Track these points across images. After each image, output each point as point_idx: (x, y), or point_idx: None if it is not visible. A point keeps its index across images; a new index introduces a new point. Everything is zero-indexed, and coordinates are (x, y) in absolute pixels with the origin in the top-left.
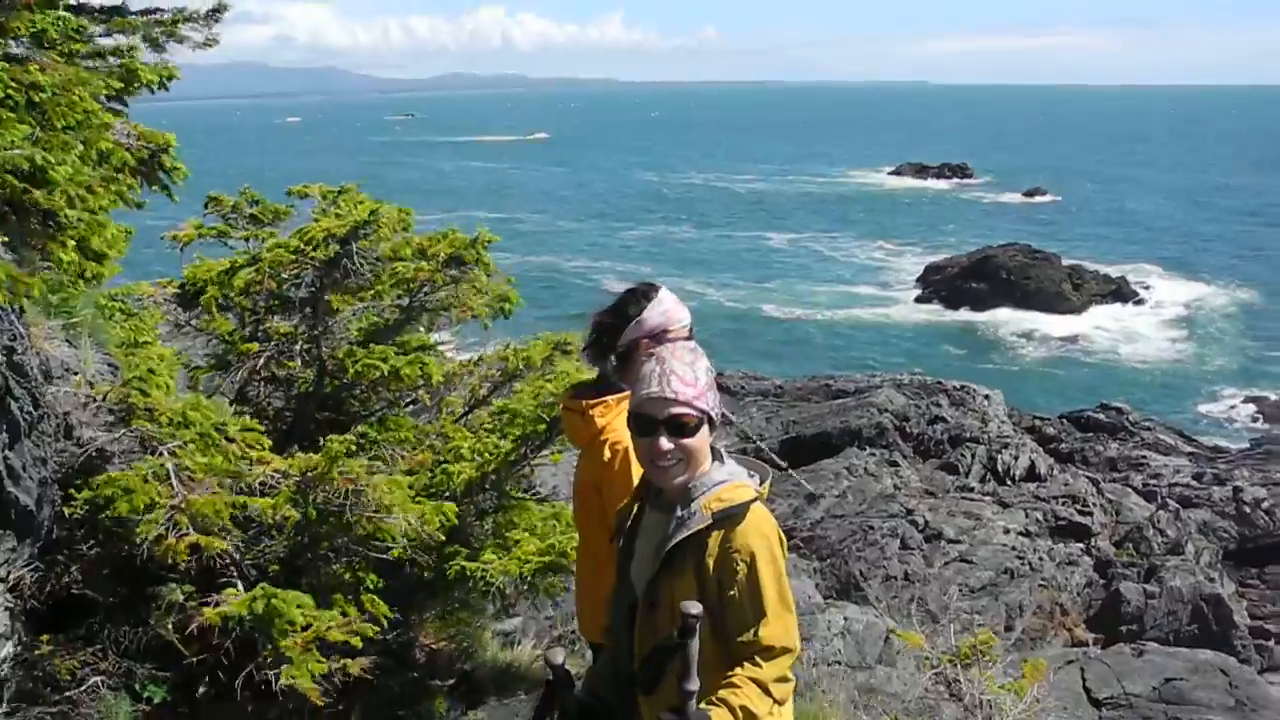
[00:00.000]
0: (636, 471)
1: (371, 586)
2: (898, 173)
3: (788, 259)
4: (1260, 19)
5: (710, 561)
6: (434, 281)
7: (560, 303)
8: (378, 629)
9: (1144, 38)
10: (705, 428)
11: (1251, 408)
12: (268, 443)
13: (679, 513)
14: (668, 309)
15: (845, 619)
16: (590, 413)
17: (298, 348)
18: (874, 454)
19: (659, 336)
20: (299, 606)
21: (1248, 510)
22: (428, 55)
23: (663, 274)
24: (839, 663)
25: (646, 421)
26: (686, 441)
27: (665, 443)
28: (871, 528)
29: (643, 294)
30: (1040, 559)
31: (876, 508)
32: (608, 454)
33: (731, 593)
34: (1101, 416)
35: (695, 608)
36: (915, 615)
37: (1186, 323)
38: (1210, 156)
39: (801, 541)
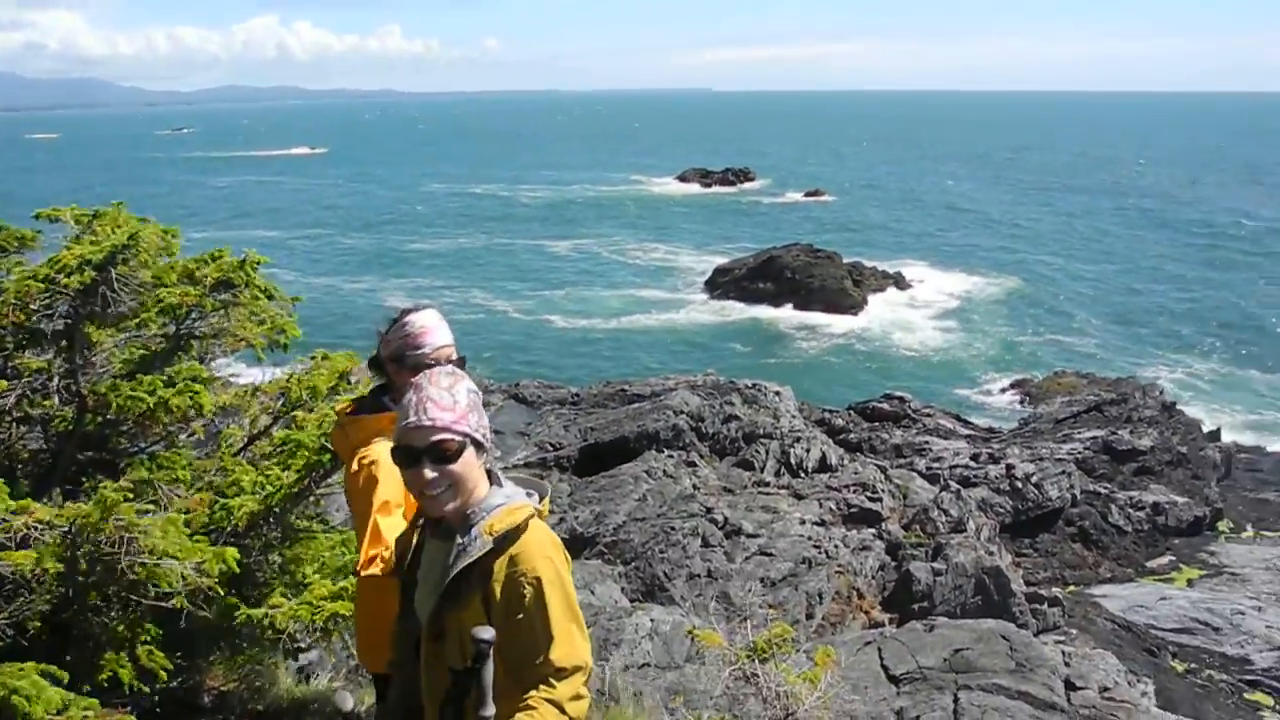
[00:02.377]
0: (385, 490)
1: (149, 637)
2: (682, 178)
3: (575, 266)
4: (1010, 28)
5: (496, 587)
6: (202, 307)
7: (344, 323)
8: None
9: (905, 46)
10: (470, 451)
11: (1018, 390)
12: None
13: (459, 540)
14: (409, 333)
15: (652, 621)
16: (347, 427)
17: (54, 384)
18: (672, 455)
19: (401, 359)
20: (54, 681)
21: (1019, 485)
22: (198, 66)
23: (449, 286)
24: (649, 664)
25: (409, 453)
26: (451, 468)
27: (429, 472)
28: (673, 528)
29: (400, 314)
30: (836, 546)
31: (677, 508)
32: (354, 467)
33: (520, 617)
34: (886, 406)
35: (487, 633)
36: (720, 611)
37: (958, 314)
38: (957, 155)
39: (605, 547)
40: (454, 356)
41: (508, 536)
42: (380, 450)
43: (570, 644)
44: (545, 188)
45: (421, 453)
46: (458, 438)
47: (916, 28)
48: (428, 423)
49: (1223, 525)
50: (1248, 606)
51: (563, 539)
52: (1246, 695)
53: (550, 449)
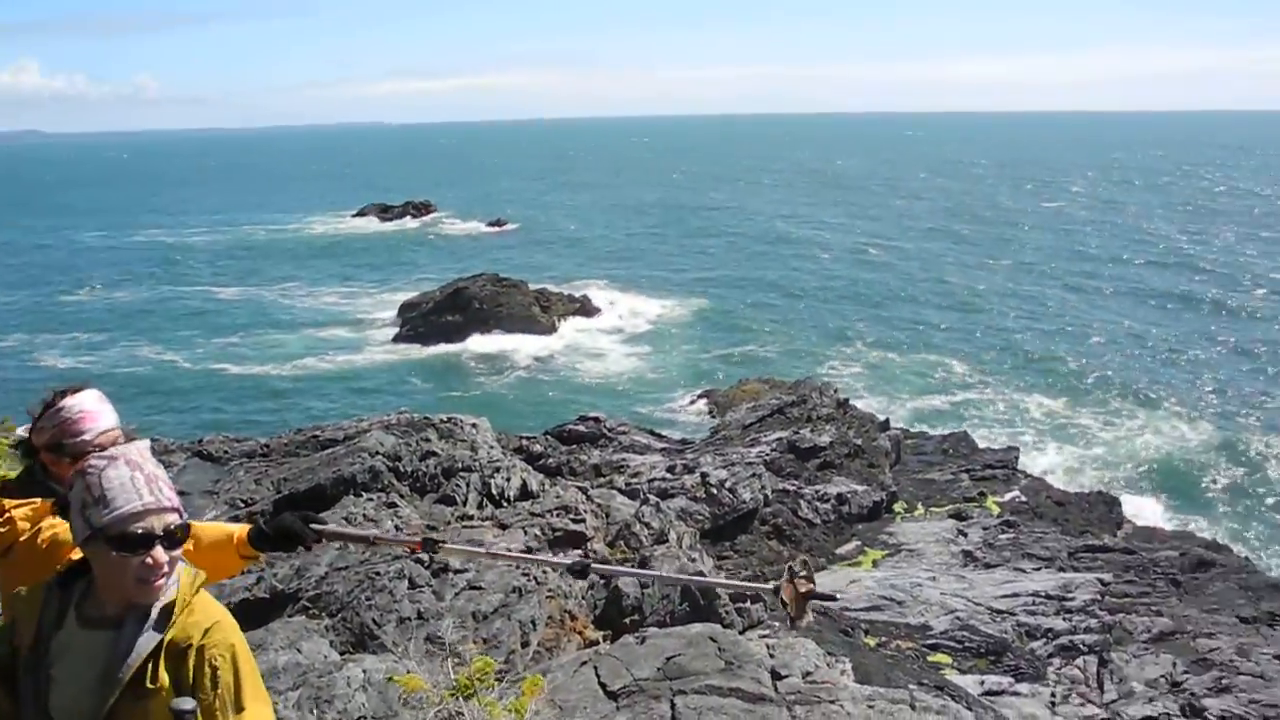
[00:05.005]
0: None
1: None
2: (361, 214)
3: (249, 311)
4: (675, 64)
5: (188, 667)
6: None
7: None
8: None
9: (582, 75)
10: None
11: (706, 400)
12: None
13: (136, 625)
14: (65, 419)
15: (364, 672)
16: (11, 513)
17: None
18: (371, 498)
19: (58, 448)
20: None
21: (715, 491)
22: None
23: (111, 341)
24: (364, 717)
25: (141, 538)
26: (178, 551)
27: (163, 555)
28: (378, 573)
29: (52, 397)
30: (544, 572)
31: (380, 552)
32: (33, 558)
33: (210, 697)
34: (582, 427)
35: (188, 704)
36: (435, 652)
37: (646, 333)
38: (636, 180)
39: (309, 601)
40: (120, 440)
41: (185, 611)
42: (57, 532)
43: (260, 716)
44: (213, 231)
45: (158, 537)
46: (182, 518)
47: (591, 57)
48: (167, 503)
49: (898, 507)
50: (924, 578)
51: (262, 598)
52: (930, 658)
53: (242, 505)
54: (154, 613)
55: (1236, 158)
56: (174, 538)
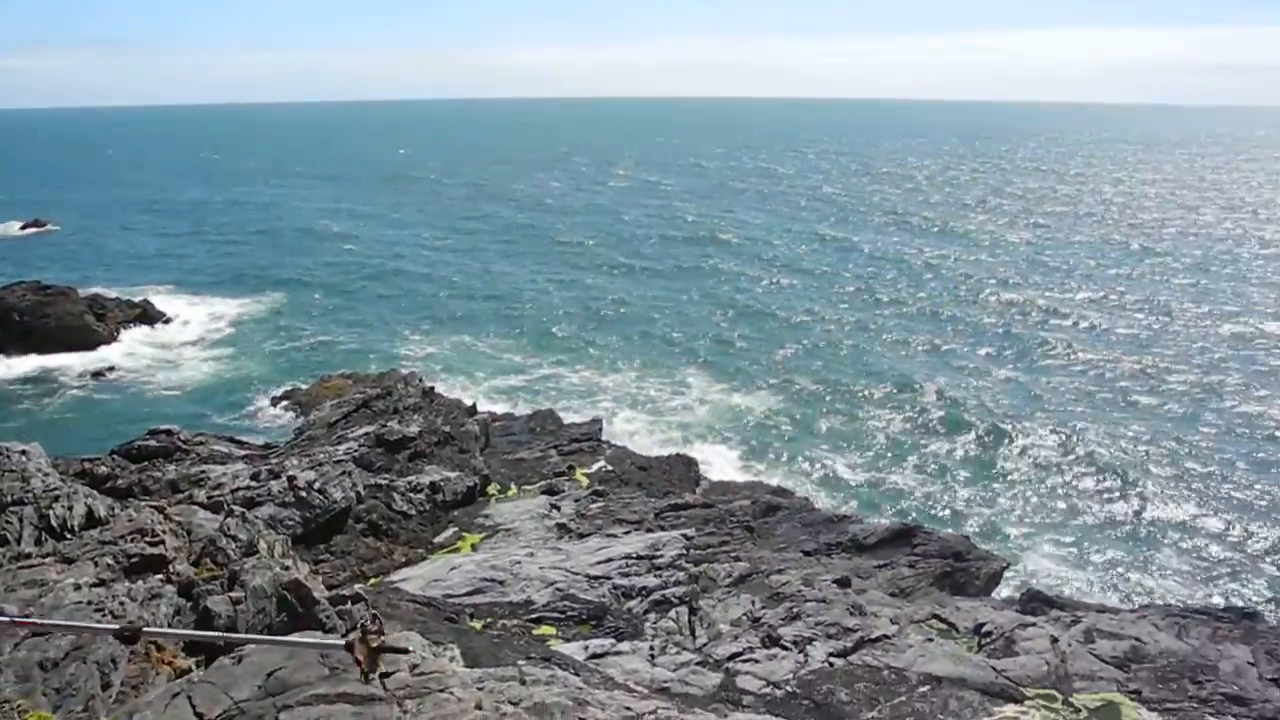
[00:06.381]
0: None
1: None
2: None
3: None
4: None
5: None
6: None
7: None
8: None
9: (112, 59)
10: None
11: (288, 401)
12: None
13: None
14: None
15: None
16: None
17: None
18: None
19: None
20: None
21: (304, 494)
22: None
23: None
24: None
25: None
26: None
27: None
28: None
29: None
30: (122, 603)
31: None
32: None
33: None
34: (153, 442)
35: None
36: None
37: (218, 337)
38: (179, 175)
39: None
40: None
41: None
42: None
43: None
44: None
45: None
46: None
47: (133, 38)
48: None
49: (492, 489)
50: (522, 555)
51: None
52: (535, 631)
53: None
54: None
55: (770, 142)
56: None
